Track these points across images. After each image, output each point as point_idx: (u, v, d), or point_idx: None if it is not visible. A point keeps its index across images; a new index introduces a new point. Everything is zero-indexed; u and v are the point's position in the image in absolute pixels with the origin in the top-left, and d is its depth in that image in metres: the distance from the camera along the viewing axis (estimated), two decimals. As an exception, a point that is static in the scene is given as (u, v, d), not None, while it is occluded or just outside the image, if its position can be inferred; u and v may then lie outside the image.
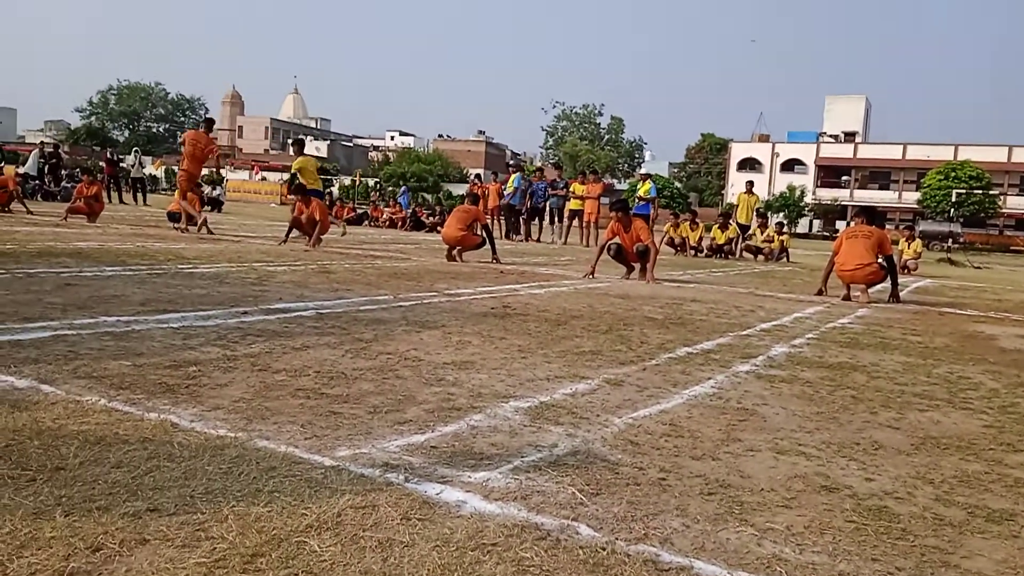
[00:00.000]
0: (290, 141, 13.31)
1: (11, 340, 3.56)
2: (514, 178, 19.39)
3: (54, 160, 24.19)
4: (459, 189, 35.86)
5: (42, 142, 31.45)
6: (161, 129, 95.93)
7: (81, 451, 2.20)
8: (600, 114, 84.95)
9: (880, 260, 8.56)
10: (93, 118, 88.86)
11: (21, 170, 21.56)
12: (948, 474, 2.61)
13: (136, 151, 27.25)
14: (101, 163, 26.38)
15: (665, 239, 17.65)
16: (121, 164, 27.92)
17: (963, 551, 1.98)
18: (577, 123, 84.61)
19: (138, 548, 1.67)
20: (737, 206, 19.27)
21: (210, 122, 14.08)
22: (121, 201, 23.68)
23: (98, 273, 6.34)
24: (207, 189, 26.71)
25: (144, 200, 24.84)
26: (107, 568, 1.58)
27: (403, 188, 33.20)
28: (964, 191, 47.42)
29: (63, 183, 23.06)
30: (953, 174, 50.20)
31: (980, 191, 49.48)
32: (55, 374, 3.02)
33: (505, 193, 19.19)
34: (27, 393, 2.74)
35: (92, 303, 4.75)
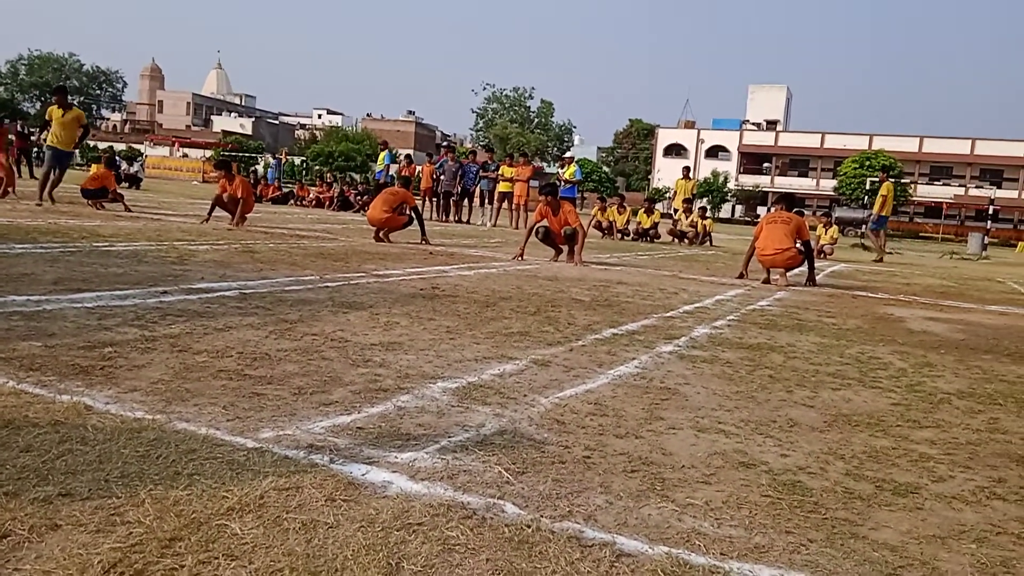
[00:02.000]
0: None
1: (-90, 320, 3.38)
2: (383, 156, 19.82)
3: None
4: (390, 169, 35.37)
5: (-56, 112, 29.71)
6: (76, 102, 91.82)
7: (-13, 435, 2.11)
8: (530, 97, 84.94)
9: (798, 245, 8.84)
10: (1, 88, 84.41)
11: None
12: (858, 450, 2.72)
13: (48, 122, 26.00)
14: (11, 136, 25.12)
15: (593, 223, 17.83)
16: (32, 138, 26.61)
17: (871, 523, 2.08)
18: (507, 106, 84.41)
19: (49, 534, 1.61)
20: (675, 191, 19.62)
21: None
22: (32, 176, 22.60)
23: (6, 251, 6.05)
24: (124, 165, 25.74)
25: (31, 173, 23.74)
26: (15, 555, 1.52)
27: (275, 161, 31.49)
28: (878, 179, 49.23)
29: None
30: (868, 162, 52.00)
31: (892, 180, 51.44)
32: (-42, 355, 2.88)
33: (376, 170, 19.59)
34: (-73, 375, 2.61)
35: (-1, 282, 4.53)
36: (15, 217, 9.27)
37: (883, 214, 16.55)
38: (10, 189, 13.22)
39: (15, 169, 13.68)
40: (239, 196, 11.16)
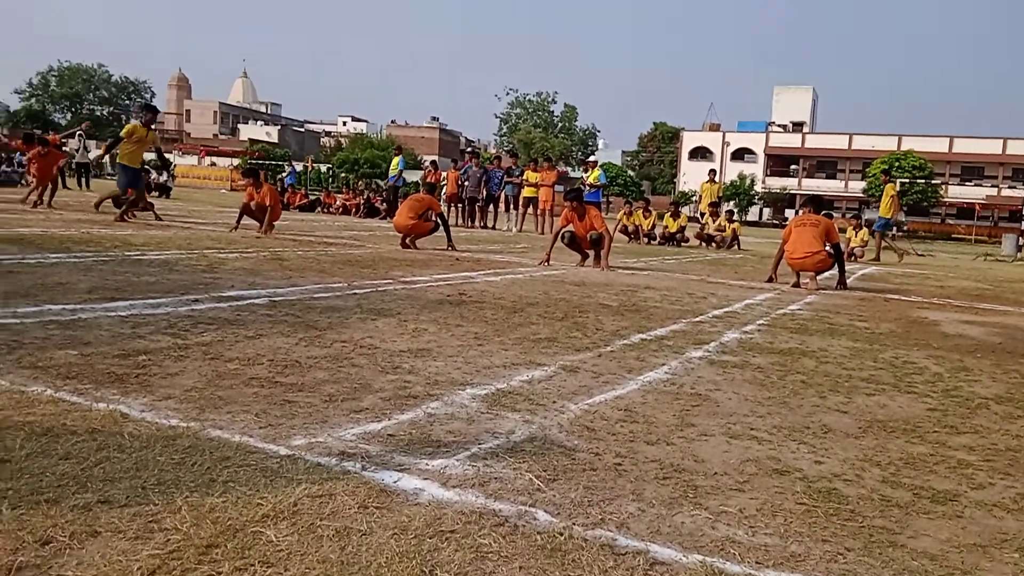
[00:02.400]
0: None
1: (-50, 329, 3.45)
2: (397, 161, 19.87)
3: (-8, 144, 23.37)
4: (413, 176, 35.57)
5: (-21, 125, 30.30)
6: (105, 112, 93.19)
7: (27, 443, 2.14)
8: (554, 102, 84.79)
9: (828, 248, 8.74)
10: (33, 100, 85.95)
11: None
12: (894, 456, 2.68)
13: (80, 135, 26.45)
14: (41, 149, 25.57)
15: (619, 227, 17.76)
16: (64, 148, 27.10)
17: (909, 531, 2.04)
18: (531, 111, 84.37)
19: (89, 540, 1.63)
20: (701, 195, 19.52)
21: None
22: (64, 186, 22.99)
23: (42, 260, 6.15)
24: (154, 175, 26.09)
25: (88, 185, 24.16)
26: (57, 561, 1.54)
27: (290, 168, 32.19)
28: (907, 180, 48.58)
29: (2, 167, 22.30)
30: (897, 164, 51.38)
31: (923, 180, 50.75)
32: (-2, 364, 2.93)
33: (390, 175, 19.57)
34: (-32, 384, 2.66)
35: (36, 291, 4.61)
36: (49, 227, 9.43)
37: (886, 217, 16.50)
38: (41, 200, 13.43)
39: (58, 182, 13.82)
40: (267, 204, 11.27)
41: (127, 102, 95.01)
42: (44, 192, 13.57)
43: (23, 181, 13.74)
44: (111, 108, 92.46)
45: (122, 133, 11.58)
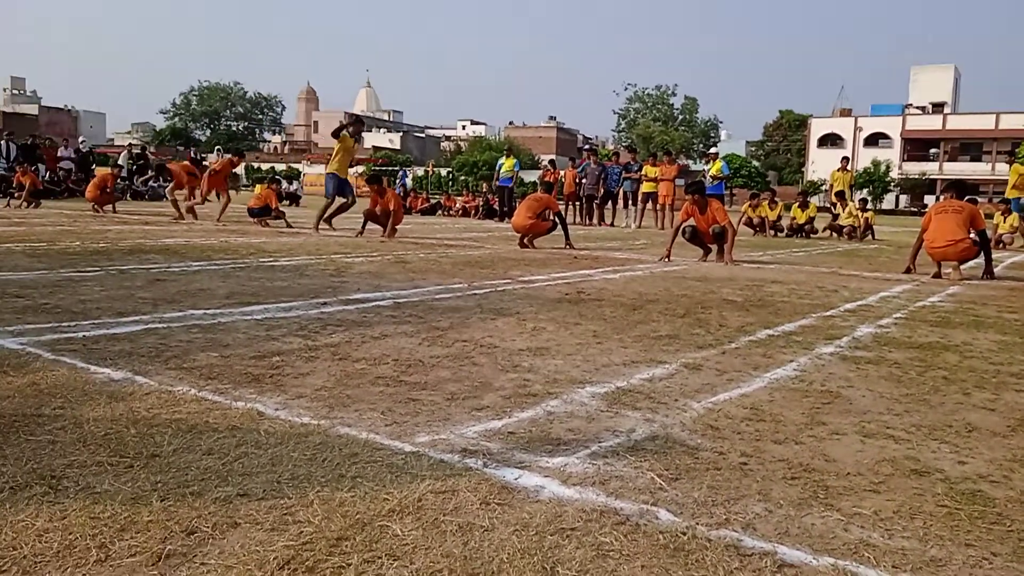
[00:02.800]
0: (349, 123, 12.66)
1: (106, 334, 3.74)
2: (512, 162, 19.39)
3: (141, 161, 25.20)
4: (531, 176, 35.80)
5: (130, 144, 32.76)
6: (241, 127, 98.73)
7: (174, 439, 2.30)
8: (673, 95, 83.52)
9: (973, 235, 8.20)
10: (176, 119, 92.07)
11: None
12: (1049, 457, 2.48)
13: (218, 149, 28.17)
14: (185, 162, 27.36)
15: (743, 219, 17.26)
16: (204, 163, 28.88)
17: (1066, 537, 1.89)
18: (650, 105, 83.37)
19: (230, 531, 1.73)
20: (831, 183, 18.75)
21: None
22: (205, 200, 24.49)
23: (185, 268, 6.58)
24: (284, 184, 27.41)
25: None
26: (201, 550, 1.64)
27: (401, 172, 33.30)
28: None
29: (150, 183, 23.96)
30: (1051, 142, 47.55)
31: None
32: (147, 366, 3.16)
33: (502, 177, 19.13)
34: (122, 384, 2.88)
35: (180, 297, 4.94)
36: (191, 237, 10.07)
37: (1016, 197, 15.36)
38: (190, 215, 14.32)
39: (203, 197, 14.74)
40: (390, 209, 11.62)
41: (260, 116, 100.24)
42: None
43: (167, 196, 14.68)
44: (246, 123, 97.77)
45: (337, 145, 12.24)
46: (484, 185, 28.13)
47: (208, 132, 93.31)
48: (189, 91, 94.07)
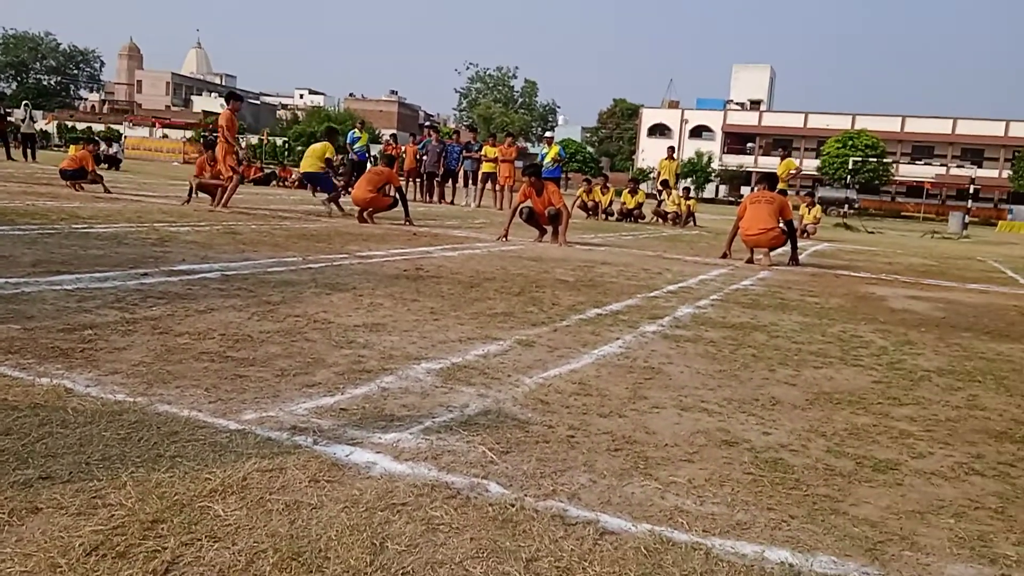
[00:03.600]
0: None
1: None
2: (366, 135, 19.38)
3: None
4: (372, 150, 35.09)
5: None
6: (52, 82, 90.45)
7: (-35, 419, 2.08)
8: (514, 77, 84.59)
9: (781, 225, 8.87)
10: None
11: None
12: (839, 427, 2.75)
13: (26, 105, 25.62)
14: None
15: (578, 203, 17.79)
16: (9, 119, 26.21)
17: (852, 499, 2.10)
18: (491, 85, 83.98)
19: (29, 517, 1.60)
20: (659, 172, 19.61)
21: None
22: (9, 157, 22.29)
23: (-17, 233, 5.97)
24: (103, 146, 25.40)
25: (34, 156, 23.46)
26: (-5, 539, 1.51)
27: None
28: (860, 159, 49.44)
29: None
30: (851, 142, 52.22)
31: (875, 159, 51.69)
32: (-65, 339, 2.84)
33: (356, 148, 18.91)
34: (-96, 359, 2.58)
35: (-24, 264, 4.47)
36: (-8, 199, 9.14)
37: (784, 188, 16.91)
38: None
39: None
40: (220, 177, 11.06)
41: (75, 72, 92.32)
42: None
43: None
44: (59, 78, 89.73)
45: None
46: (338, 158, 26.95)
47: (14, 85, 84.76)
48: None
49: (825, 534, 1.86)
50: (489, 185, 18.54)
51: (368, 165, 18.96)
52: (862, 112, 62.01)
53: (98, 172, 13.25)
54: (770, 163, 60.93)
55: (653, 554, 1.68)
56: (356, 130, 19.60)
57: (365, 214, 10.52)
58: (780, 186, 15.73)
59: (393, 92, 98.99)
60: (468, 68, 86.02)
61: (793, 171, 15.82)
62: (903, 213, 52.71)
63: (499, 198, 18.14)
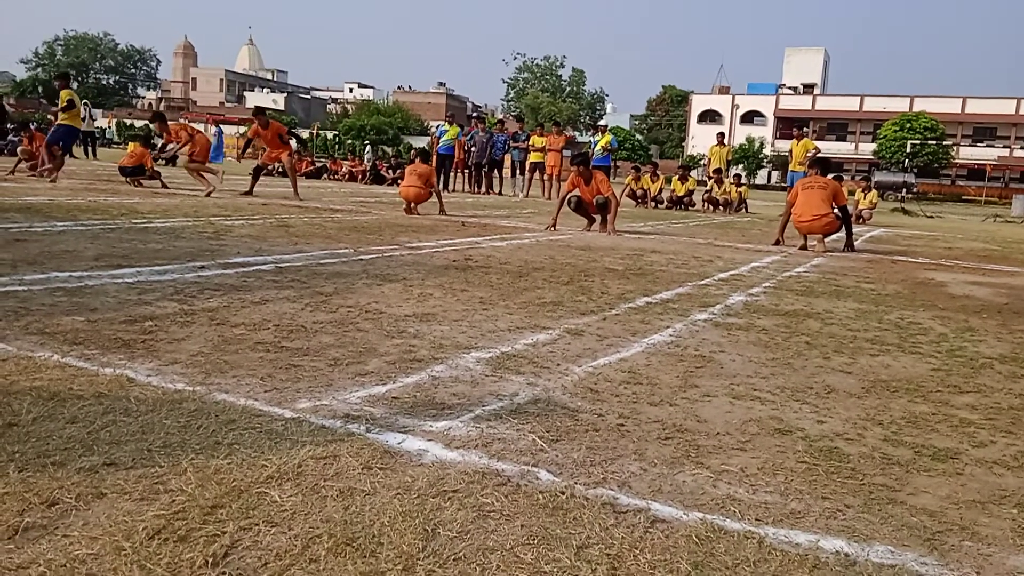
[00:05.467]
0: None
1: (-42, 297, 3.47)
2: (455, 130, 19.17)
3: (-1, 113, 23.30)
4: (420, 141, 35.33)
5: (-16, 94, 30.15)
6: (111, 81, 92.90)
7: (34, 407, 2.16)
8: (562, 66, 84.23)
9: (835, 210, 8.69)
10: (39, 70, 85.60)
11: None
12: (897, 415, 2.69)
13: (86, 104, 26.36)
14: (49, 116, 25.48)
15: (626, 191, 17.68)
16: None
17: (909, 488, 2.05)
18: (539, 75, 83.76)
19: (95, 502, 1.66)
20: (709, 158, 19.38)
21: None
22: (71, 156, 22.99)
23: (49, 228, 6.17)
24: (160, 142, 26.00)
25: (94, 154, 24.16)
26: (63, 522, 1.56)
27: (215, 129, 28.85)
28: (919, 142, 48.14)
29: (9, 136, 22.27)
30: (908, 125, 50.87)
31: (934, 142, 50.26)
32: (5, 330, 2.95)
33: (442, 145, 18.77)
34: (-24, 350, 2.68)
35: (43, 259, 4.63)
36: (56, 195, 9.44)
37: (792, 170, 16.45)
38: (46, 172, 13.40)
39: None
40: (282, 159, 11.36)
41: (133, 71, 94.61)
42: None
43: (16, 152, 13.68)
44: (117, 77, 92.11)
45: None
46: (379, 150, 26.90)
47: (75, 85, 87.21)
48: (54, 40, 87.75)
49: (882, 524, 1.83)
50: (537, 175, 18.51)
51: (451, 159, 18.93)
52: (921, 94, 60.23)
53: (156, 169, 13.58)
54: (823, 147, 59.67)
55: (705, 543, 1.67)
56: (445, 123, 19.74)
57: (412, 206, 10.63)
58: (799, 168, 15.44)
59: (441, 84, 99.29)
60: (516, 58, 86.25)
61: (811, 151, 15.41)
62: (964, 197, 51.16)
63: (547, 188, 18.10)
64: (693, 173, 18.57)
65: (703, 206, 17.95)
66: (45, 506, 1.62)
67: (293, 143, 12.85)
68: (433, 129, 30.03)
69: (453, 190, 18.55)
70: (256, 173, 12.03)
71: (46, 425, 2.05)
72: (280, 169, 12.23)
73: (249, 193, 11.70)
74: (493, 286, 4.82)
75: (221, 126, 33.37)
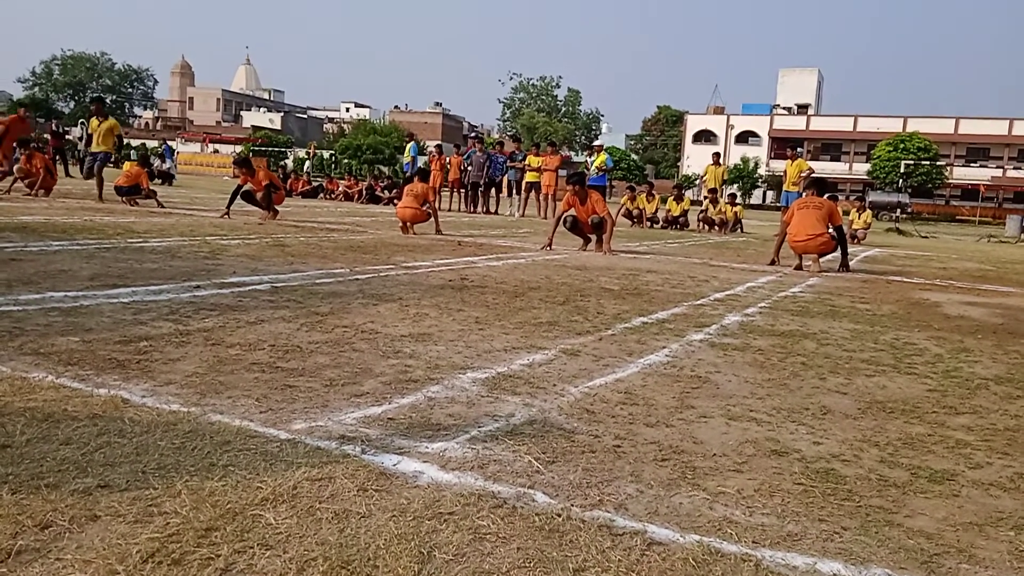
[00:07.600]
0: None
1: (-48, 317, 3.46)
2: (410, 147, 20.09)
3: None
4: (416, 161, 35.37)
5: (-19, 113, 30.25)
6: (108, 101, 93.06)
7: (28, 428, 2.16)
8: (557, 86, 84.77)
9: (831, 230, 8.72)
10: (36, 89, 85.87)
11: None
12: (893, 437, 2.69)
13: (82, 123, 26.44)
14: (46, 135, 25.57)
15: (622, 211, 17.73)
16: (67, 137, 27.06)
17: (906, 510, 2.05)
18: (534, 95, 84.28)
19: (88, 524, 1.65)
20: (705, 177, 19.46)
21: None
22: (67, 175, 23.01)
23: (44, 248, 6.17)
24: (156, 162, 26.09)
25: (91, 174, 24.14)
26: (57, 545, 1.55)
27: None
28: (912, 162, 48.35)
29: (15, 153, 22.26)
30: (902, 145, 51.11)
31: (928, 162, 50.51)
32: (0, 351, 2.94)
33: (404, 163, 19.38)
34: (-30, 371, 2.67)
35: (38, 278, 4.63)
36: (52, 215, 9.44)
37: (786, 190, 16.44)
38: (42, 191, 13.40)
39: (52, 169, 13.88)
40: (263, 185, 11.28)
41: (130, 90, 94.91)
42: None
43: (11, 172, 13.70)
44: (115, 96, 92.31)
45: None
46: (375, 169, 26.81)
47: (72, 104, 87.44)
48: (51, 60, 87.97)
49: (879, 546, 1.82)
50: (533, 195, 18.57)
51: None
52: (914, 114, 60.66)
53: (152, 188, 13.60)
54: (817, 167, 59.97)
55: (702, 565, 1.67)
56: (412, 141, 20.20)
57: (407, 226, 10.64)
58: (793, 188, 15.45)
59: (437, 104, 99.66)
60: (512, 78, 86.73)
61: (805, 172, 15.44)
62: (958, 217, 51.35)
63: (543, 207, 18.15)
64: (688, 193, 18.62)
65: (699, 226, 18.01)
66: (38, 529, 1.61)
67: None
68: (430, 149, 30.11)
69: (449, 209, 18.61)
70: (236, 194, 11.69)
71: (40, 447, 2.04)
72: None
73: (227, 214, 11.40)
74: (489, 306, 4.83)
75: (169, 144, 34.13)
